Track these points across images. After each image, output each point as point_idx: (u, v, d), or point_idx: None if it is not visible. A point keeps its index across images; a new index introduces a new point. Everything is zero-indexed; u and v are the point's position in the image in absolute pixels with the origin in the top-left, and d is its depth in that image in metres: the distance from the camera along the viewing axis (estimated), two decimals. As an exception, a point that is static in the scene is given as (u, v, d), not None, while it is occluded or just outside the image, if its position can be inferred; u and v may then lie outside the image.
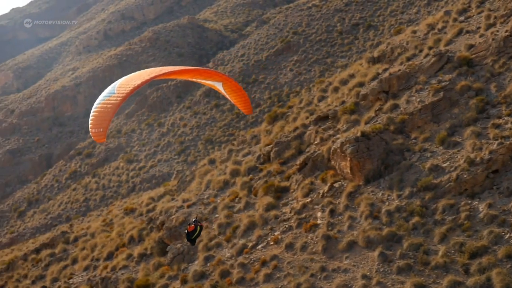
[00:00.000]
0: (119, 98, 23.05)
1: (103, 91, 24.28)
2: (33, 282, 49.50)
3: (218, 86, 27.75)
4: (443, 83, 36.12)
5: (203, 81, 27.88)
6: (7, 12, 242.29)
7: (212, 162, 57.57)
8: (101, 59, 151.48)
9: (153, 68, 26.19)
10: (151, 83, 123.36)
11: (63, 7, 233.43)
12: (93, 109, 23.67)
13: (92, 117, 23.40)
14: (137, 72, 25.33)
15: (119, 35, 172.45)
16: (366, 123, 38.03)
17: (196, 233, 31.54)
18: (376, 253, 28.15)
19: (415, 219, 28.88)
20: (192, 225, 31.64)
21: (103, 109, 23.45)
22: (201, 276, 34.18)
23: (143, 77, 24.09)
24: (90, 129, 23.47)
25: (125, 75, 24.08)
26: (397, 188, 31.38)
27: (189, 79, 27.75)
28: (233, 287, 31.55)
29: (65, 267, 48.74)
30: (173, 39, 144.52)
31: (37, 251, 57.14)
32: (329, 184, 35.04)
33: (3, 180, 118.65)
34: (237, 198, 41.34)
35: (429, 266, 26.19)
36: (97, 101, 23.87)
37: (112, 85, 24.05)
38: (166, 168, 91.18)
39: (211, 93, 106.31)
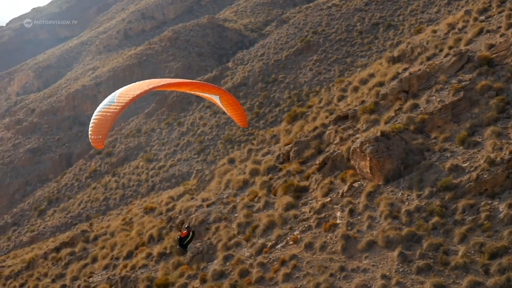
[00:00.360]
0: (118, 107, 24.26)
1: None
2: (53, 281, 49.70)
3: (215, 99, 28.50)
4: (464, 83, 35.97)
5: (201, 94, 28.72)
6: (28, 12, 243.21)
7: (231, 161, 57.55)
8: (121, 59, 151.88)
9: (152, 80, 27.19)
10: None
11: (84, 6, 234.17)
12: (93, 117, 24.82)
13: (92, 124, 24.56)
14: (137, 83, 26.38)
15: (139, 34, 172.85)
16: (386, 122, 37.94)
17: (188, 239, 32.05)
18: (395, 253, 28.08)
19: (435, 219, 28.77)
20: (185, 231, 32.14)
21: (102, 117, 24.54)
22: (221, 275, 34.21)
23: (143, 88, 25.15)
24: (89, 136, 24.74)
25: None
26: (417, 188, 31.28)
27: (188, 91, 28.52)
28: (252, 286, 31.56)
29: (85, 265, 48.91)
30: (193, 38, 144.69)
31: (57, 249, 57.36)
32: (348, 183, 34.98)
33: (23, 179, 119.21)
34: (256, 198, 41.34)
35: (448, 267, 26.10)
36: (98, 109, 24.98)
37: (113, 94, 25.06)
38: (185, 167, 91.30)
39: (231, 92, 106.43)
